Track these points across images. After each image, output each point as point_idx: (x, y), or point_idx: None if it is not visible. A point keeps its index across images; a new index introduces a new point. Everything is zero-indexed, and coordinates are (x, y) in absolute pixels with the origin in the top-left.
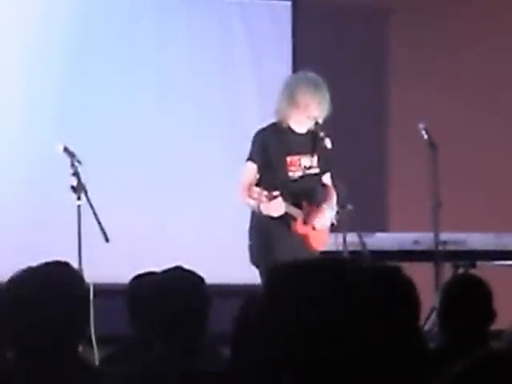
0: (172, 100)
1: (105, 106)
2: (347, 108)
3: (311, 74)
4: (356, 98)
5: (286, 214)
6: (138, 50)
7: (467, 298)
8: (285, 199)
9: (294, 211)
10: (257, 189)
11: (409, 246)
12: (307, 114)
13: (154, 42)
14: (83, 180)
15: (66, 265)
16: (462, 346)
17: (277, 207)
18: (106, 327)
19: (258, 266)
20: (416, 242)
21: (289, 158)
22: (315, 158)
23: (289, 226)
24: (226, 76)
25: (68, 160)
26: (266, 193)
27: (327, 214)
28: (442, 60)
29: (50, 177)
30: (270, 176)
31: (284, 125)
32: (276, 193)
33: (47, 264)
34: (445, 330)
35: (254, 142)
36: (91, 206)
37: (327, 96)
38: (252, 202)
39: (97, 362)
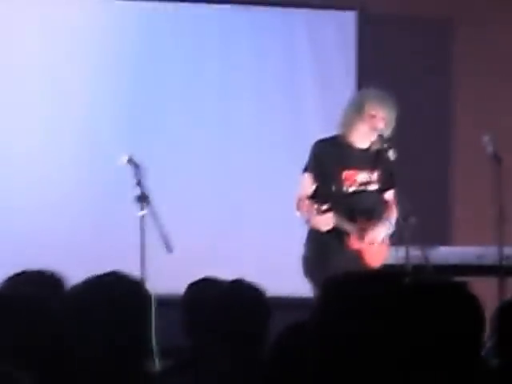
0: (236, 109)
1: (168, 116)
2: (411, 120)
3: (381, 91)
4: (419, 110)
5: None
6: (203, 59)
7: None
8: (339, 214)
9: (348, 226)
10: (308, 201)
11: (472, 261)
12: (372, 126)
13: (219, 51)
14: (147, 190)
15: (124, 276)
16: None
17: (326, 221)
18: (168, 339)
19: (311, 280)
20: (480, 257)
21: (345, 173)
22: (375, 174)
23: (343, 241)
24: (289, 84)
25: (132, 171)
26: (316, 206)
27: (379, 230)
28: (508, 72)
29: (114, 187)
30: (324, 188)
31: (345, 138)
32: (325, 206)
33: (104, 275)
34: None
35: (311, 153)
36: (155, 216)
37: (393, 113)
38: (303, 215)
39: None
